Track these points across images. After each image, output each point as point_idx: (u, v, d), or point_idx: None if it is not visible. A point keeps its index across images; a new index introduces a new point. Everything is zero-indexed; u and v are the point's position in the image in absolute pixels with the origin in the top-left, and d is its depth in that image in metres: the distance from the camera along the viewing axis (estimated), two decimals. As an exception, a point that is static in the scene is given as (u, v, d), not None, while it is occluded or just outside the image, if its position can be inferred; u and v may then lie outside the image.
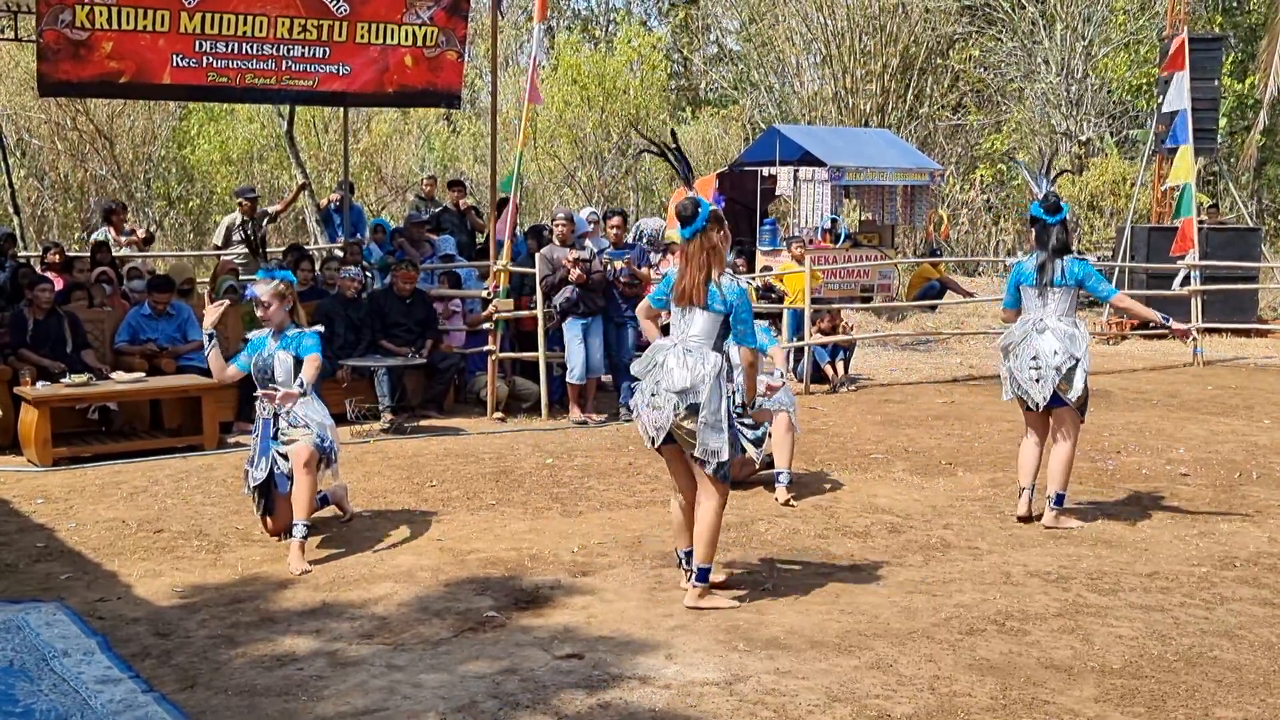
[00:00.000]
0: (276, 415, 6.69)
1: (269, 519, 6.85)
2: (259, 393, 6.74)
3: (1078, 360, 7.06)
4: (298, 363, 6.71)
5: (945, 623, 5.51)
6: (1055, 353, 7.06)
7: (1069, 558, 6.58)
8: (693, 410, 5.54)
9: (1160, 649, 5.22)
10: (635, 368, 5.88)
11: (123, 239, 13.16)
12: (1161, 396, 12.11)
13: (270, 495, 6.77)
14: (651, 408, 5.64)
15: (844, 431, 10.18)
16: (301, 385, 6.60)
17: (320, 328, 6.94)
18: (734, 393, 8.05)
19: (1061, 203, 7.29)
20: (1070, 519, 7.23)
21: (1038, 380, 7.14)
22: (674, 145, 6.12)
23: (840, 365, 12.65)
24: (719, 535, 5.79)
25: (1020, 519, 7.26)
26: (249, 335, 6.93)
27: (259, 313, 6.81)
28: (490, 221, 11.32)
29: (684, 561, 5.91)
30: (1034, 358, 7.13)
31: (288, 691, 4.69)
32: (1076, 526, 7.15)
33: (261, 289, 6.80)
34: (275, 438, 6.67)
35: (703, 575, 5.72)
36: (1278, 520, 7.44)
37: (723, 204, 18.71)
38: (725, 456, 5.60)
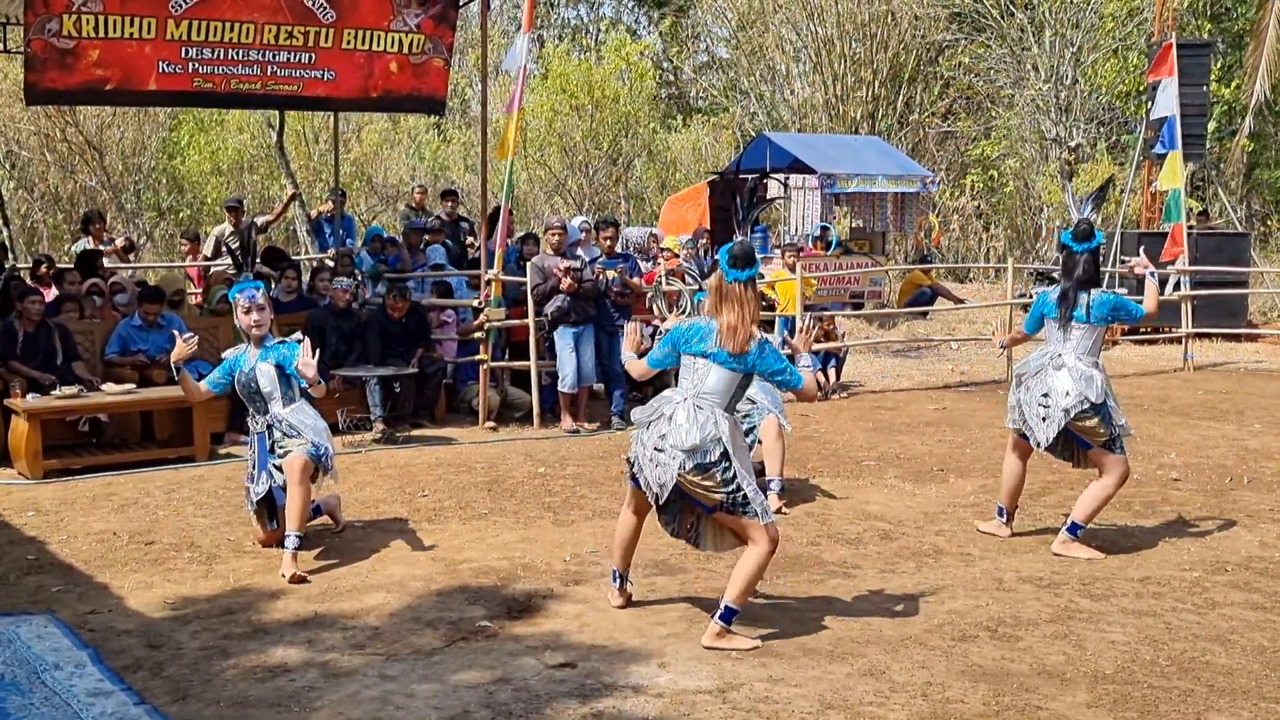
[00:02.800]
0: (271, 427, 6.69)
1: (264, 530, 6.84)
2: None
3: (1091, 404, 6.65)
4: (280, 370, 6.68)
5: (938, 629, 5.51)
6: (1067, 393, 6.66)
7: (1061, 563, 6.59)
8: (700, 469, 5.24)
9: (1152, 654, 5.23)
10: (638, 414, 5.53)
11: (103, 249, 13.13)
12: (1152, 401, 12.14)
13: (276, 509, 6.76)
14: (655, 464, 5.31)
15: (836, 438, 10.19)
16: (321, 381, 6.58)
17: (299, 335, 6.90)
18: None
19: (1095, 231, 6.87)
20: (1083, 548, 6.78)
21: (1044, 419, 6.76)
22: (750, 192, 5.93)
23: (832, 372, 12.66)
24: (755, 583, 5.45)
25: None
26: (224, 354, 6.90)
27: (252, 317, 6.69)
28: (482, 231, 11.31)
29: (619, 581, 5.78)
30: (1045, 394, 6.75)
31: (280, 703, 4.68)
32: (1087, 556, 6.71)
33: (259, 295, 6.76)
34: (272, 451, 6.66)
35: (729, 615, 5.33)
36: (1269, 524, 7.45)
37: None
38: (760, 501, 5.33)
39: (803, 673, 4.97)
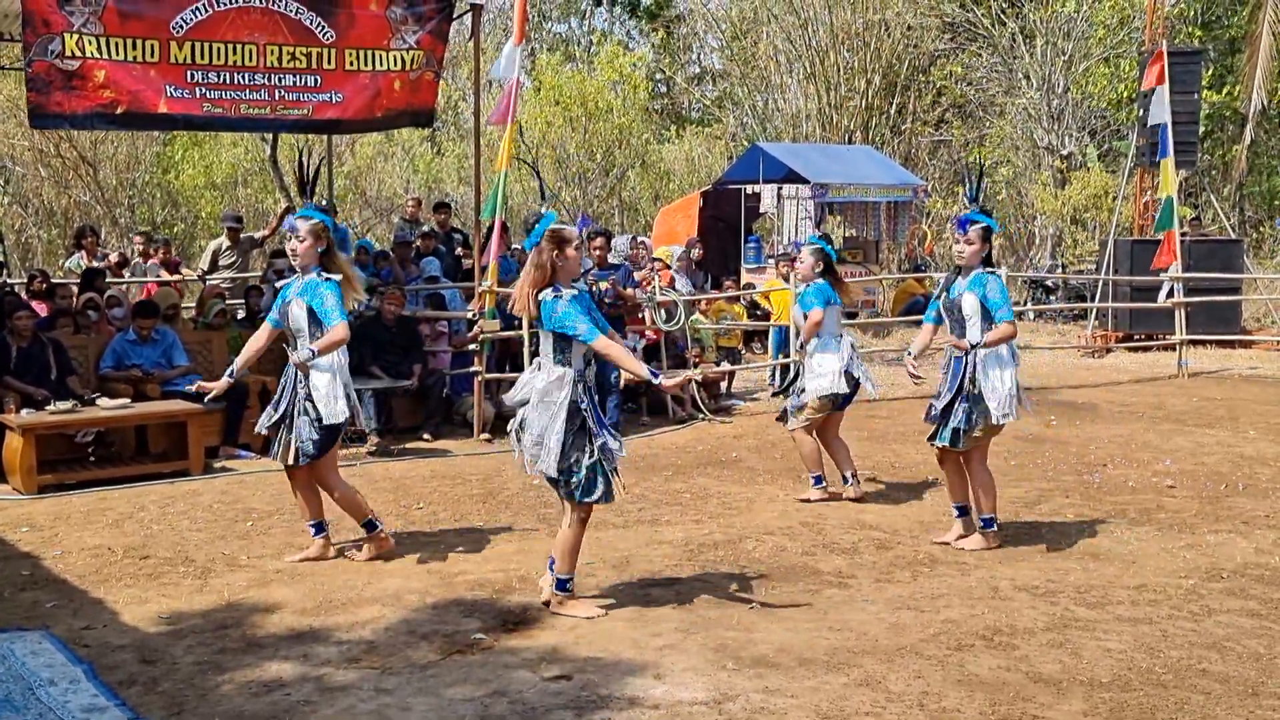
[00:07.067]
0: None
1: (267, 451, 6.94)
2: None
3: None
4: (311, 314, 6.63)
5: (934, 638, 5.51)
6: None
7: (1057, 571, 6.59)
8: (523, 426, 5.71)
9: (1149, 662, 5.23)
10: (509, 397, 6.01)
11: (96, 264, 13.13)
12: (1147, 409, 12.15)
13: (276, 438, 6.76)
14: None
15: (831, 448, 10.17)
16: (312, 353, 6.59)
17: (340, 277, 6.86)
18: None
19: (973, 217, 6.89)
20: (970, 539, 7.10)
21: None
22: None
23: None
24: (578, 549, 5.90)
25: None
26: (232, 367, 6.95)
27: (291, 245, 6.69)
28: (475, 243, 11.31)
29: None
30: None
31: (275, 717, 4.67)
32: (981, 546, 7.01)
33: (301, 224, 6.70)
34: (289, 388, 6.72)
35: (561, 585, 5.86)
36: (1264, 531, 7.46)
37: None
38: (554, 473, 5.64)
39: (799, 683, 4.96)
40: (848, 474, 8.42)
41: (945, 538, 7.19)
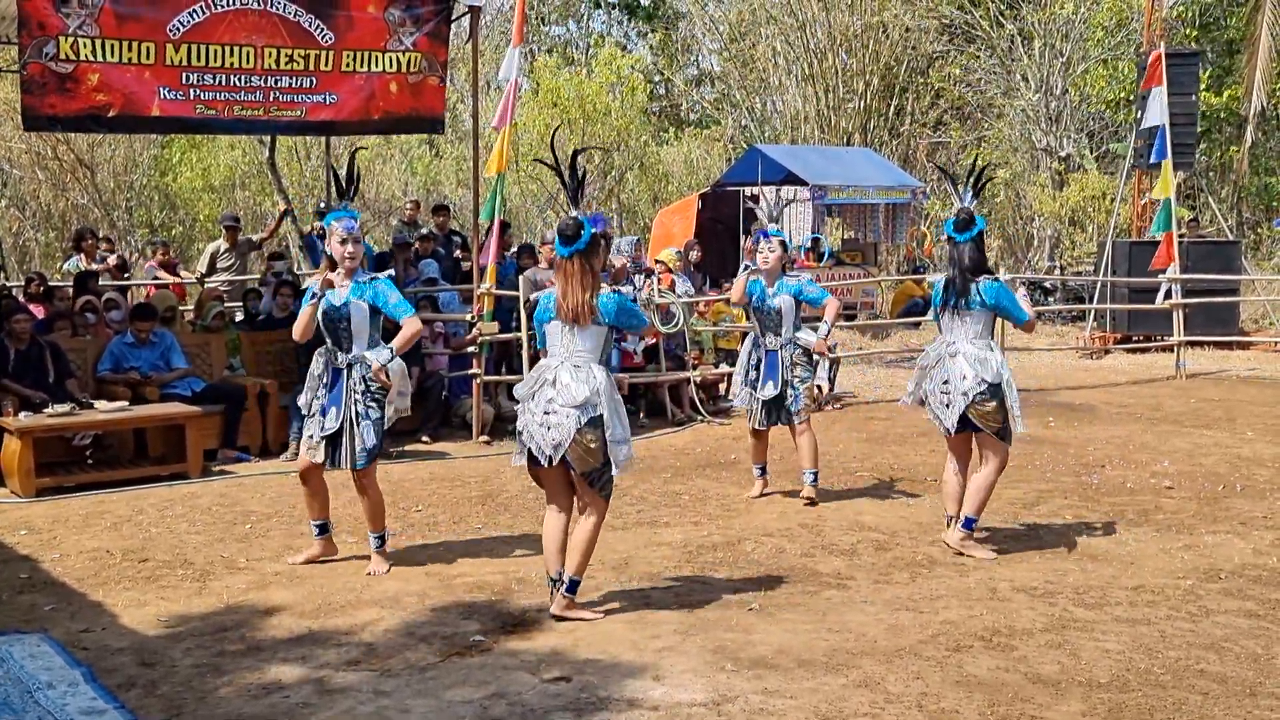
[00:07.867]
0: (352, 366, 6.52)
1: (314, 463, 6.68)
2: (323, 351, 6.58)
3: (988, 384, 6.80)
4: (374, 311, 6.54)
5: (932, 639, 5.51)
6: (964, 377, 6.84)
7: (1055, 572, 6.60)
8: (593, 424, 5.62)
9: (1147, 662, 5.23)
10: (519, 390, 5.89)
11: (95, 266, 13.12)
12: (1145, 410, 12.16)
13: (338, 446, 6.57)
14: (546, 426, 5.68)
15: (829, 449, 10.17)
16: (391, 353, 6.51)
17: (391, 271, 6.82)
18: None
19: (976, 218, 6.99)
20: (979, 548, 6.96)
21: (947, 405, 6.95)
22: (570, 164, 6.17)
23: (825, 383, 12.65)
24: (594, 550, 5.93)
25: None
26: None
27: (348, 249, 6.54)
28: (474, 246, 11.32)
29: (555, 585, 5.90)
30: (945, 382, 6.95)
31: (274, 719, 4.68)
32: (987, 557, 6.88)
33: (354, 229, 6.62)
34: (347, 390, 6.52)
35: (573, 587, 5.86)
36: (1262, 531, 7.47)
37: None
38: (625, 466, 5.78)
39: (797, 684, 4.97)
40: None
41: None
